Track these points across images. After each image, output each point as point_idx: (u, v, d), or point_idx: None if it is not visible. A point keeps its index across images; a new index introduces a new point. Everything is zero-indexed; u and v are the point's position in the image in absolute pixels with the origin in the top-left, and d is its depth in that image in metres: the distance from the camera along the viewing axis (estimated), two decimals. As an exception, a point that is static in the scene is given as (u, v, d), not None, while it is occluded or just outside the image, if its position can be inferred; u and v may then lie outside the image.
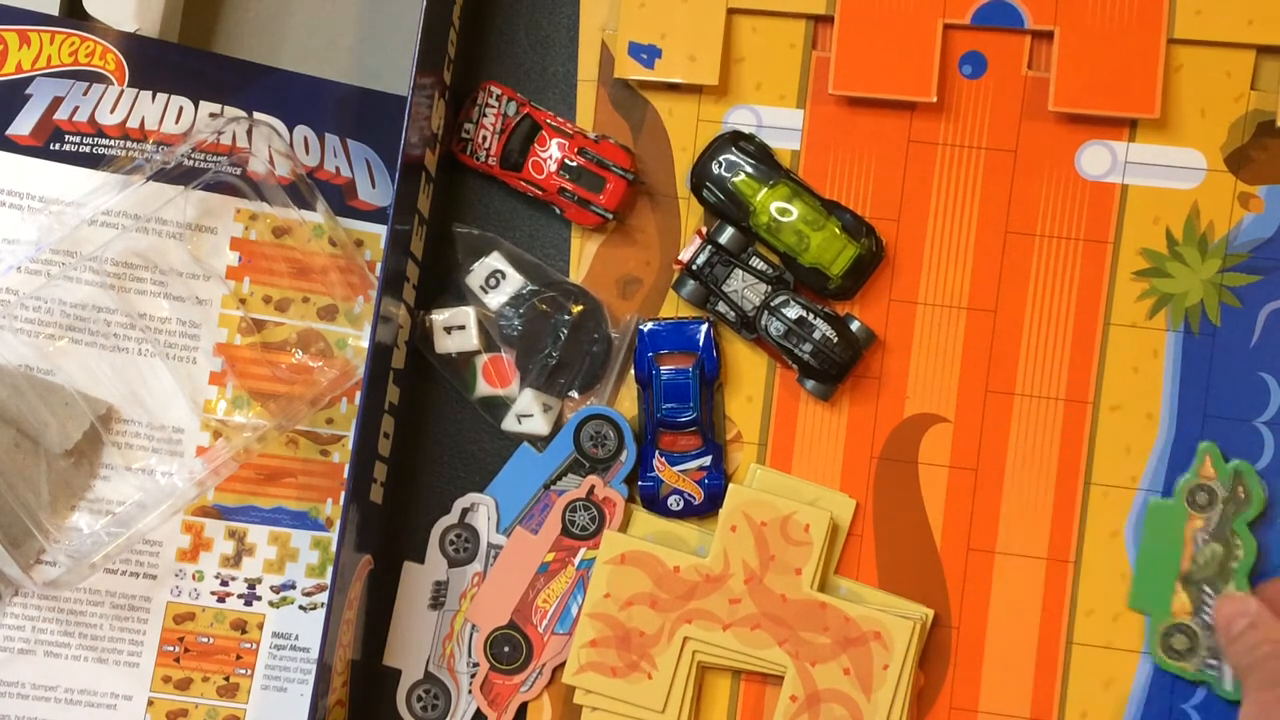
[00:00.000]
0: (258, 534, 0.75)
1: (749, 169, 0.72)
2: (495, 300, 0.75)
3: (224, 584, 0.74)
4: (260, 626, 0.74)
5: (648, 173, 0.74)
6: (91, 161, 0.74)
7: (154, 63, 0.75)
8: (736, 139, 0.73)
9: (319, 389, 0.74)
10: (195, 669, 0.74)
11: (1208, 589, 0.69)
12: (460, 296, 0.76)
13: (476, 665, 0.74)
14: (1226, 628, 0.67)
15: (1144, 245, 0.71)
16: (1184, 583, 0.70)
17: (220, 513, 0.74)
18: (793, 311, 0.71)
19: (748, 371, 0.74)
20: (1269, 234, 0.71)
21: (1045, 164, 0.72)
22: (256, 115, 0.75)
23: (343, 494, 0.74)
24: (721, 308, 0.73)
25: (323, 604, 0.75)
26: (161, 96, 0.75)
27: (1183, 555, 0.70)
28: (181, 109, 0.75)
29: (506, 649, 0.73)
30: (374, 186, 0.76)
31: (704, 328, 0.73)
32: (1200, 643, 0.69)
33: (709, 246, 0.73)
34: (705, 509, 0.73)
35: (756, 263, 0.73)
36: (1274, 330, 0.71)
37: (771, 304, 0.71)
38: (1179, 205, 0.71)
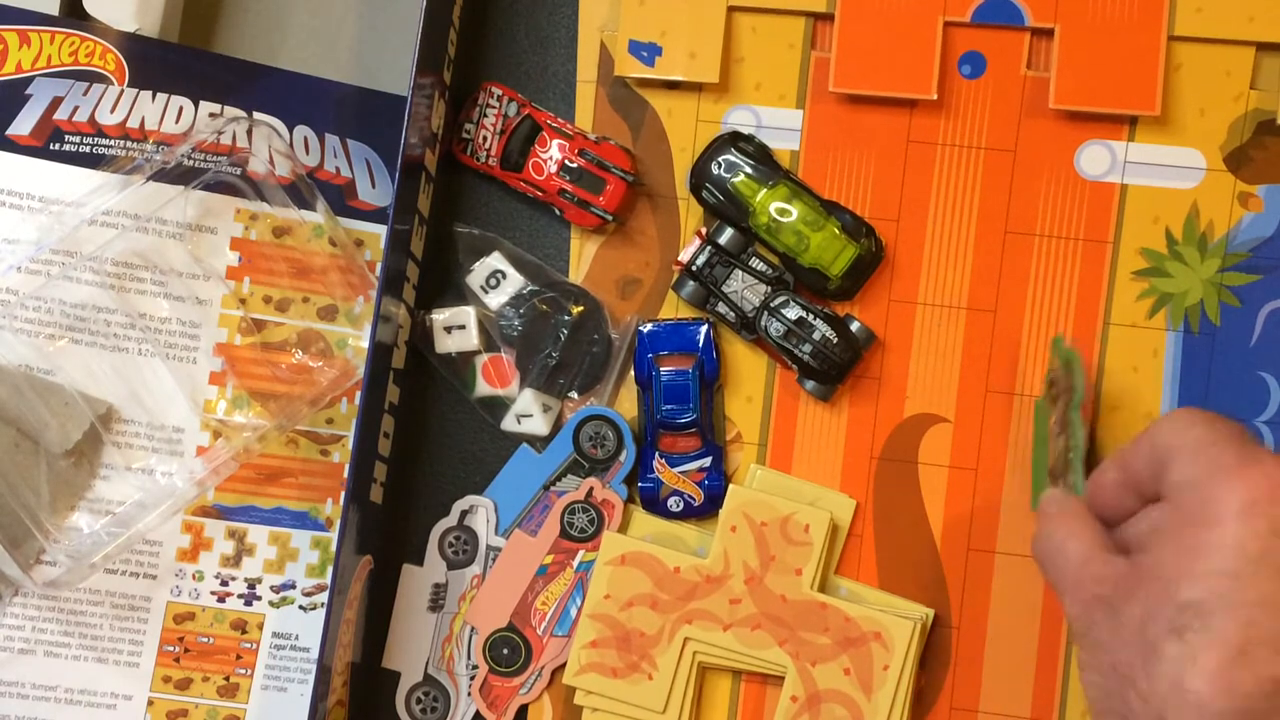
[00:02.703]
0: (258, 534, 0.75)
1: (748, 169, 0.72)
2: (495, 300, 0.75)
3: (224, 584, 0.74)
4: (260, 626, 0.75)
5: (647, 173, 0.74)
6: (91, 161, 0.74)
7: (154, 63, 0.75)
8: (736, 139, 0.73)
9: (319, 389, 0.74)
10: (195, 669, 0.74)
11: (1062, 484, 0.65)
12: (460, 296, 0.76)
13: (476, 667, 0.74)
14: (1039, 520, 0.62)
15: (1143, 245, 0.71)
16: (1050, 479, 0.66)
17: (220, 513, 0.75)
18: (792, 312, 0.71)
19: (747, 372, 0.74)
20: (1269, 233, 0.71)
21: (1044, 164, 0.72)
22: (256, 115, 0.75)
23: (343, 494, 0.74)
24: (721, 308, 0.73)
25: (323, 604, 0.75)
26: (161, 96, 0.75)
27: (1048, 451, 0.68)
28: (181, 109, 0.75)
29: (505, 651, 0.73)
30: (374, 186, 0.76)
31: (704, 329, 0.73)
32: None
33: (709, 247, 0.73)
34: (705, 510, 0.73)
35: (756, 263, 0.73)
36: (1274, 330, 0.70)
37: (771, 305, 0.71)
38: (1178, 205, 0.71)
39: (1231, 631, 0.50)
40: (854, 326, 0.72)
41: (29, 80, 0.74)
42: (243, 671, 0.74)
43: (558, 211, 0.74)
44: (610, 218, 0.73)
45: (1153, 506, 0.57)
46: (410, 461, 0.76)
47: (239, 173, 0.75)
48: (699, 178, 0.73)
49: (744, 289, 0.72)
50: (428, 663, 0.74)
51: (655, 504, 0.73)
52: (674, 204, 0.74)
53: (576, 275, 0.75)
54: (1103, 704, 0.55)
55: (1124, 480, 0.58)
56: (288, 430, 0.74)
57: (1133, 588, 0.54)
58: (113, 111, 0.74)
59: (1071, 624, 0.57)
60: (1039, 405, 0.70)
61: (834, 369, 0.71)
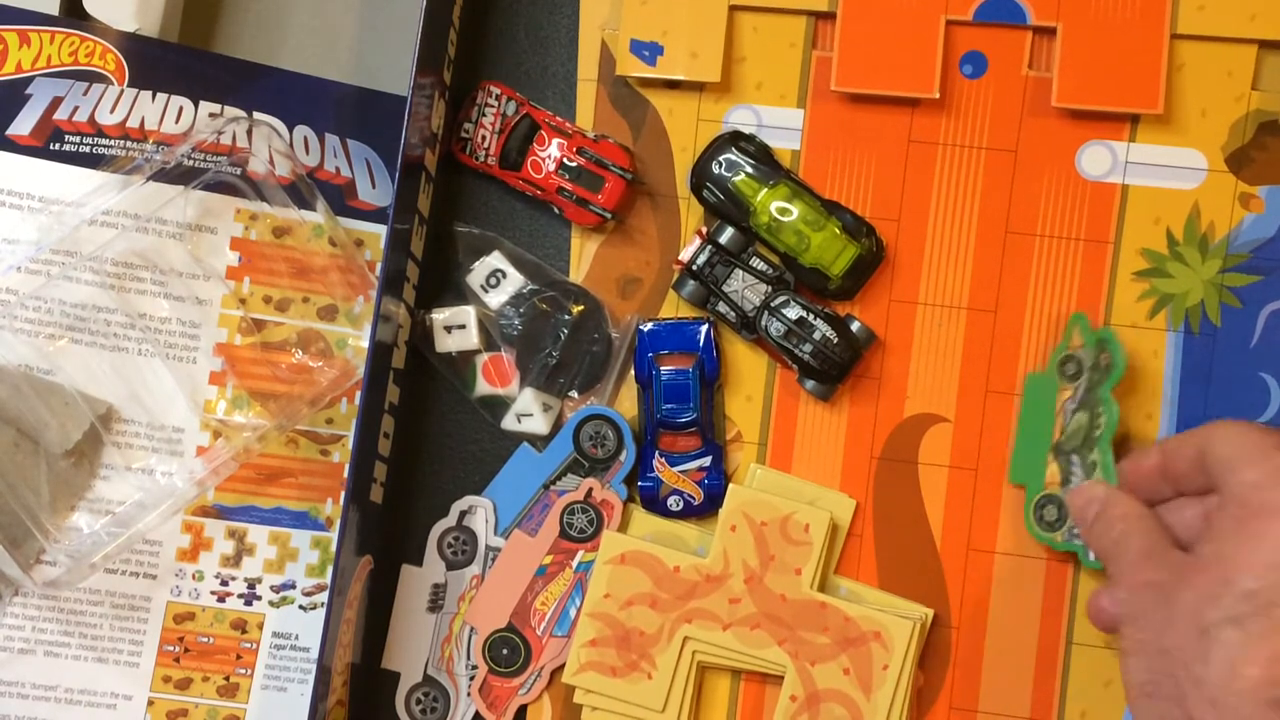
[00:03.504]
0: (258, 534, 0.75)
1: (749, 169, 0.72)
2: (495, 299, 0.75)
3: (224, 584, 0.74)
4: (260, 626, 0.75)
5: (648, 173, 0.74)
6: (91, 161, 0.74)
7: (154, 63, 0.75)
8: (736, 139, 0.73)
9: (319, 389, 0.74)
10: (195, 669, 0.74)
11: (1075, 459, 0.69)
12: (460, 296, 0.76)
13: (475, 668, 0.74)
14: (1081, 517, 0.66)
15: (1144, 245, 0.71)
16: (1055, 453, 0.70)
17: (220, 513, 0.75)
18: (793, 312, 0.71)
19: (748, 371, 0.74)
20: (1269, 234, 0.71)
21: (1045, 164, 0.72)
22: (256, 115, 0.75)
23: (343, 494, 0.74)
24: (721, 308, 0.73)
25: (323, 604, 0.75)
26: (161, 96, 0.75)
27: (1054, 426, 0.70)
28: (181, 109, 0.75)
29: (505, 651, 0.73)
30: (374, 186, 0.76)
31: (704, 328, 0.73)
32: (1068, 513, 0.69)
33: (709, 246, 0.73)
34: (705, 509, 0.73)
35: (757, 263, 0.73)
36: (1274, 330, 0.70)
37: (772, 304, 0.71)
38: (1179, 205, 0.71)
39: None
40: (854, 326, 0.72)
41: (29, 80, 0.74)
42: (243, 671, 0.74)
43: (557, 210, 0.74)
44: (609, 215, 0.73)
45: (1189, 499, 0.63)
46: (410, 461, 0.76)
47: (239, 173, 0.75)
48: (700, 177, 0.73)
49: (744, 288, 0.72)
50: (427, 663, 0.74)
51: (655, 503, 0.73)
52: (674, 203, 0.74)
53: (577, 274, 0.75)
54: (1150, 687, 0.58)
55: (1164, 471, 0.64)
56: (288, 430, 0.74)
57: (1188, 576, 0.57)
58: (113, 111, 0.74)
59: (1120, 609, 0.61)
60: (1038, 379, 0.71)
61: (834, 369, 0.71)
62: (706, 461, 0.73)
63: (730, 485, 0.72)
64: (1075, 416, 0.69)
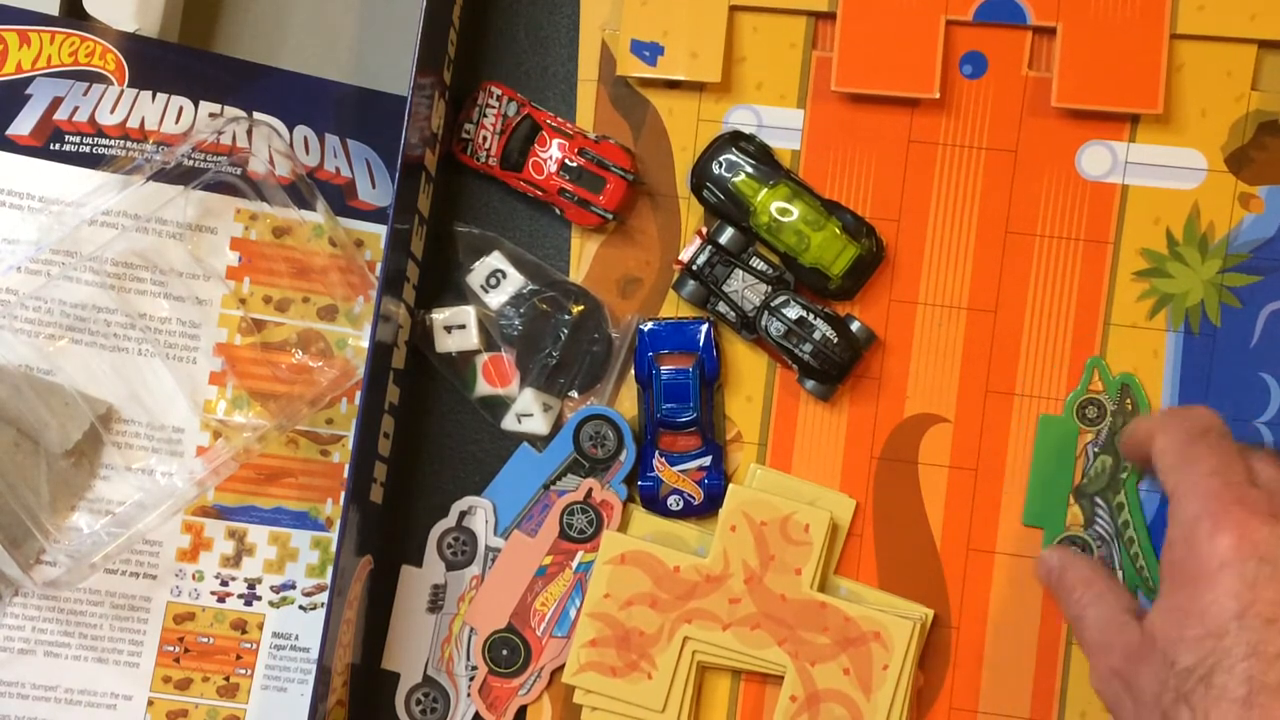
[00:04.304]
0: (258, 534, 0.75)
1: (749, 169, 0.72)
2: (496, 300, 0.75)
3: (224, 584, 0.74)
4: (260, 626, 0.75)
5: (648, 173, 0.74)
6: (91, 161, 0.74)
7: (154, 63, 0.75)
8: (737, 139, 0.73)
9: (319, 389, 0.74)
10: (195, 669, 0.74)
11: (1100, 501, 0.71)
12: (460, 296, 0.76)
13: (475, 668, 0.74)
14: (1045, 584, 0.68)
15: (1144, 245, 0.71)
16: (1077, 496, 0.71)
17: (220, 513, 0.75)
18: (793, 312, 0.71)
19: (748, 371, 0.74)
20: (1269, 234, 0.71)
21: (1045, 164, 0.72)
22: (256, 115, 0.75)
23: (343, 494, 0.74)
24: (722, 308, 0.73)
25: (323, 604, 0.75)
26: (161, 96, 0.75)
27: (1075, 469, 0.71)
28: (181, 109, 0.75)
29: (505, 652, 0.73)
30: (374, 186, 0.76)
31: (704, 328, 0.73)
32: (1094, 554, 0.71)
33: (709, 246, 0.73)
34: (705, 509, 0.73)
35: (757, 263, 0.73)
36: (1274, 330, 0.70)
37: (772, 304, 0.71)
38: (1179, 205, 0.71)
39: (1233, 687, 0.54)
40: (854, 326, 0.72)
41: (29, 80, 0.74)
42: (243, 672, 0.74)
43: (558, 211, 0.74)
44: (610, 216, 0.73)
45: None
46: (410, 461, 0.76)
47: (239, 173, 0.75)
48: (700, 177, 0.73)
49: (744, 288, 0.72)
50: (427, 663, 0.74)
51: (655, 502, 0.73)
52: (675, 203, 0.74)
53: (577, 275, 0.75)
54: None
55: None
56: (288, 430, 0.74)
57: (1142, 658, 0.59)
58: (113, 111, 0.74)
59: (1102, 699, 0.62)
60: (1054, 421, 0.71)
61: (834, 369, 0.71)
62: (706, 461, 0.73)
63: (730, 485, 0.72)
64: (1098, 459, 0.71)
